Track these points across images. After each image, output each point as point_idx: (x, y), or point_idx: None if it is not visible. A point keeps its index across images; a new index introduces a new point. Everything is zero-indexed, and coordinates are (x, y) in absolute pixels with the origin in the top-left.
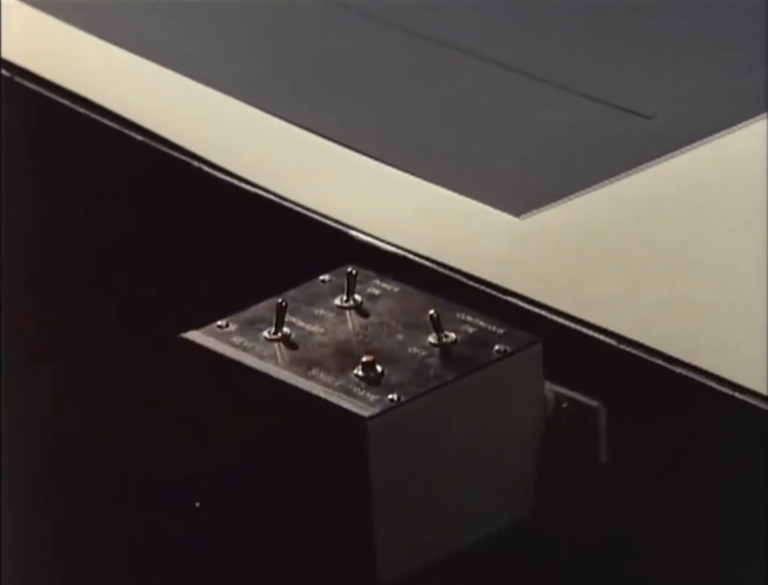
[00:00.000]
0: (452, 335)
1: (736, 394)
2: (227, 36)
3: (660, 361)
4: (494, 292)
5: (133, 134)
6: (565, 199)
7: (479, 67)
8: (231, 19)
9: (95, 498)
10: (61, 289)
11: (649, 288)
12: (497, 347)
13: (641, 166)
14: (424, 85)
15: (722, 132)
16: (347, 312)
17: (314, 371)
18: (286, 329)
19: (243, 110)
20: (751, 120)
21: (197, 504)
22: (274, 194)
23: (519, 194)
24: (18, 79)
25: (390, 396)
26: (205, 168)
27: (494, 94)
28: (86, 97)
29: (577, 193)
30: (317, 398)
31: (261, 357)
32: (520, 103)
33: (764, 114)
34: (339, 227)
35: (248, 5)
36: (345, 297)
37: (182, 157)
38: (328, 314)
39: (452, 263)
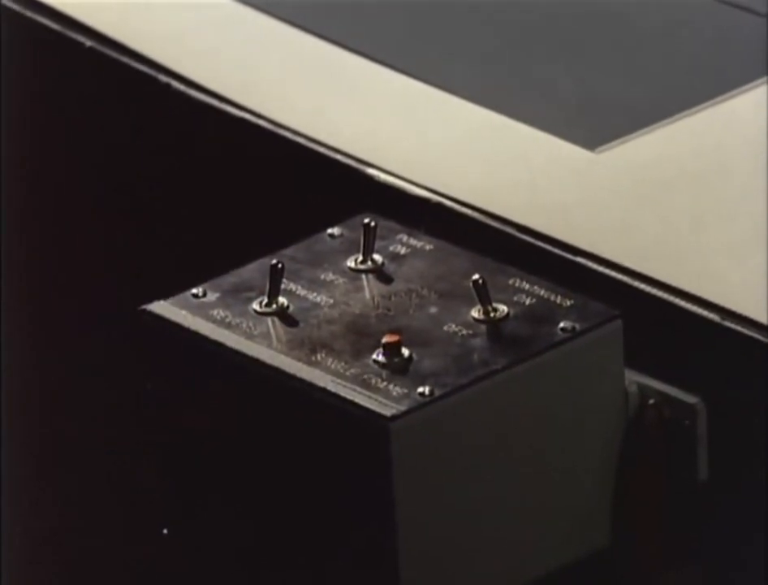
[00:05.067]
0: (503, 309)
1: None
2: None
3: None
4: (559, 251)
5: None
6: (654, 127)
7: None
8: None
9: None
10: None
11: (765, 245)
12: (563, 324)
13: (753, 82)
14: None
15: None
16: (364, 276)
17: (320, 356)
18: (282, 299)
19: (215, 6)
20: None
21: (165, 531)
22: (266, 119)
23: (595, 122)
24: None
25: (420, 390)
26: (175, 84)
27: None
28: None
29: (672, 118)
30: (323, 391)
31: (249, 335)
32: (616, 1)
33: None
34: (353, 163)
35: None
36: (361, 257)
37: (147, 69)
38: (338, 279)
39: (503, 213)
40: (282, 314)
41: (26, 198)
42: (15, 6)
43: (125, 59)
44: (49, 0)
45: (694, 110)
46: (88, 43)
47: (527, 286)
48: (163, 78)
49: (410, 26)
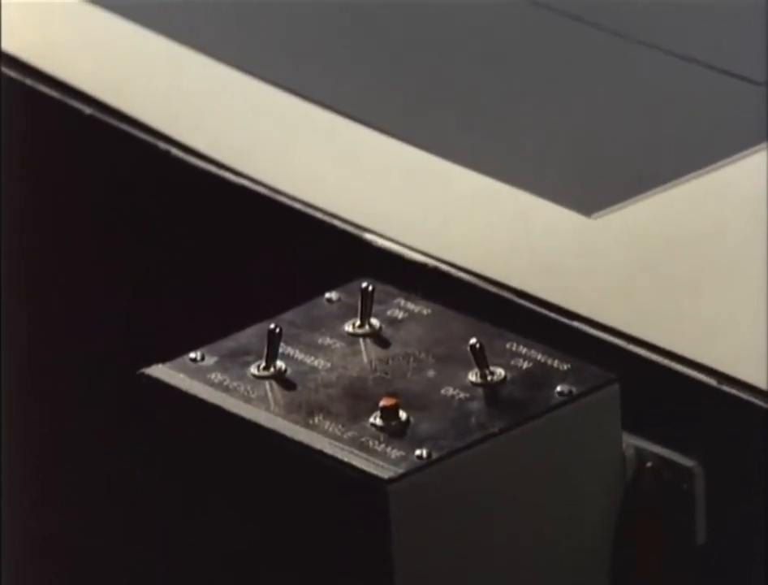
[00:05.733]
0: (500, 372)
1: None
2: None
3: None
4: (556, 316)
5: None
6: (650, 193)
7: (539, 17)
8: None
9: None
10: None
11: (761, 310)
12: (560, 387)
13: (749, 150)
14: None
15: None
16: (362, 340)
17: (318, 419)
18: (280, 363)
19: (215, 74)
20: None
21: None
22: (264, 185)
23: (591, 187)
24: None
25: (417, 453)
26: (175, 151)
27: (565, 51)
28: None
29: (668, 185)
30: (321, 454)
31: (247, 399)
32: (613, 67)
33: None
34: (351, 228)
35: None
36: (358, 321)
37: (147, 137)
38: (336, 343)
39: (500, 278)
40: (280, 378)
41: (26, 265)
42: (15, 74)
43: (125, 127)
44: (49, 68)
45: (690, 176)
46: (88, 111)
47: (524, 350)
48: (162, 145)
49: (405, 91)
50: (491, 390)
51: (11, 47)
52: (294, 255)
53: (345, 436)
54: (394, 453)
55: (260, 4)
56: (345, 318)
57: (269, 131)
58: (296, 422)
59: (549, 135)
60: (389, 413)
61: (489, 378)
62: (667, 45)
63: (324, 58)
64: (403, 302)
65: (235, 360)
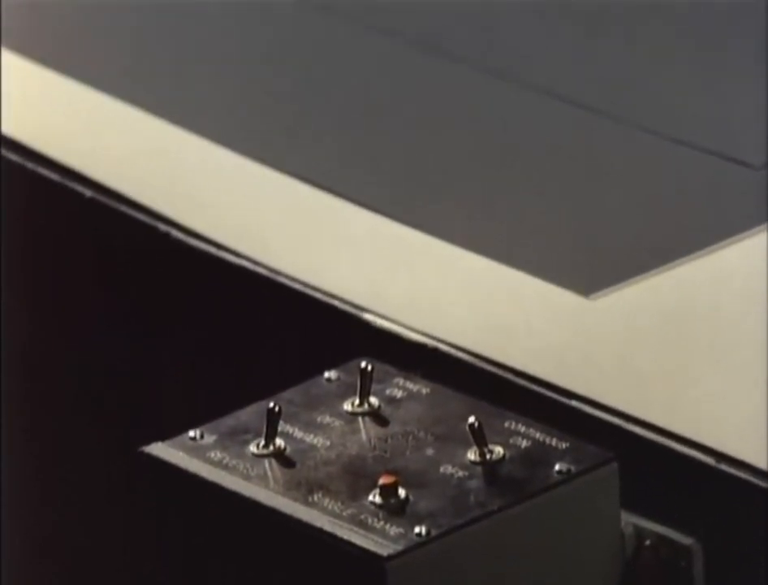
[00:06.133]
0: (499, 451)
1: None
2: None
3: None
4: (554, 395)
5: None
6: (647, 274)
7: (536, 100)
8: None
9: None
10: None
11: (758, 390)
12: (558, 466)
13: (746, 232)
14: (460, 124)
15: None
16: (360, 419)
17: (317, 496)
18: (279, 441)
19: (214, 157)
20: None
21: None
22: (264, 266)
23: (589, 268)
24: None
25: (416, 530)
26: (175, 232)
27: (563, 133)
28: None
29: (666, 266)
30: (320, 532)
31: (246, 477)
32: (611, 149)
33: None
34: (350, 309)
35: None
36: (357, 400)
37: (147, 219)
38: (335, 421)
39: (499, 357)
40: (280, 456)
41: (27, 349)
42: (15, 157)
43: (125, 209)
44: (49, 151)
45: (688, 257)
46: (88, 194)
47: (522, 429)
48: (163, 227)
49: (404, 174)
50: (490, 468)
51: (11, 130)
52: (293, 335)
53: (344, 514)
54: (393, 531)
55: (259, 88)
56: (344, 396)
57: (268, 212)
58: (296, 500)
59: (547, 216)
60: (388, 491)
61: (487, 456)
62: (666, 129)
63: (321, 140)
64: (401, 381)
65: (235, 438)
